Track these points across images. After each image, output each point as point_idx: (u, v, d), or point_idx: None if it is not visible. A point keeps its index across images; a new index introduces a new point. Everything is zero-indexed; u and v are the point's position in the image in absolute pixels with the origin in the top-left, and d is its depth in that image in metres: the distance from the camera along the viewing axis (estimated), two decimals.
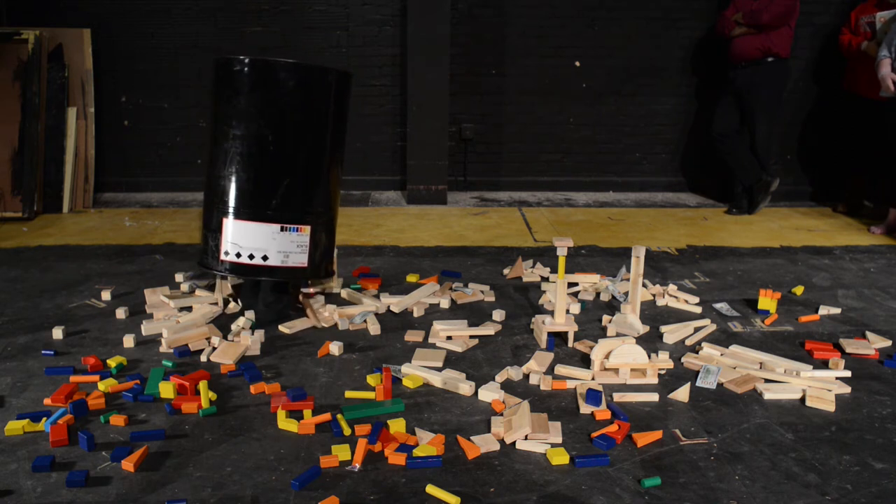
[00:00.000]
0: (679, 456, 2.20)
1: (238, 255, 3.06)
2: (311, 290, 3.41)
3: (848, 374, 2.74)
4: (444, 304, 3.38)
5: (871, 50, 4.92)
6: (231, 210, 3.06)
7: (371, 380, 2.62)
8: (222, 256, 3.08)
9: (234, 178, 3.05)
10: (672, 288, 3.60)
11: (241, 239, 3.05)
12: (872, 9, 5.04)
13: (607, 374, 2.68)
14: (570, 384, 2.62)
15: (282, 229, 3.05)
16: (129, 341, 2.91)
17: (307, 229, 3.10)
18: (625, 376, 2.65)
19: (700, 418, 2.42)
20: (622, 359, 2.66)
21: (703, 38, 5.77)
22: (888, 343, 3.04)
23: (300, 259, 3.11)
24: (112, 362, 2.70)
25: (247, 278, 3.16)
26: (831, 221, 5.23)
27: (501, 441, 2.25)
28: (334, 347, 2.87)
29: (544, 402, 2.52)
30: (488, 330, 3.07)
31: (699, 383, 2.65)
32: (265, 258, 3.05)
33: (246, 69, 2.98)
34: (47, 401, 2.44)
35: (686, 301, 3.49)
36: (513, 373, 2.68)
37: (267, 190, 3.03)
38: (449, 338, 3.02)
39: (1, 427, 2.29)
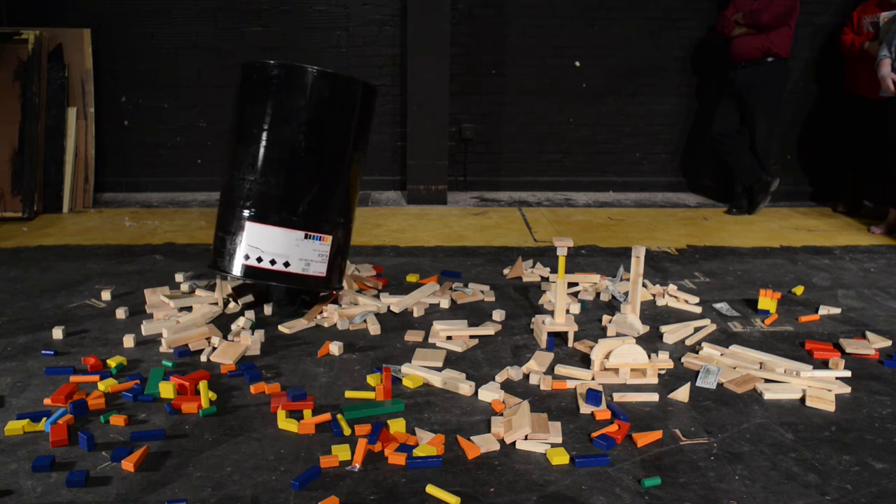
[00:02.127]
0: (679, 456, 2.20)
1: (259, 259, 3.02)
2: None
3: (848, 374, 2.74)
4: (444, 304, 3.38)
5: (873, 49, 4.92)
6: (255, 213, 3.02)
7: (371, 380, 2.63)
8: (241, 260, 3.04)
9: (261, 182, 3.02)
10: (672, 288, 3.60)
11: (264, 243, 3.02)
12: (874, 8, 5.04)
13: (607, 374, 2.68)
14: (570, 384, 2.62)
15: (306, 237, 3.04)
16: (129, 341, 2.91)
17: (329, 238, 3.10)
18: (625, 376, 2.65)
19: (700, 418, 2.42)
20: (622, 359, 2.66)
21: (703, 38, 5.77)
22: (888, 343, 3.04)
23: (320, 268, 3.10)
24: (112, 362, 2.70)
25: (264, 283, 3.14)
26: (831, 221, 5.23)
27: (501, 441, 2.25)
28: (334, 347, 2.87)
29: (544, 402, 2.52)
30: (488, 330, 3.07)
31: (699, 383, 2.65)
32: (287, 264, 3.03)
33: (283, 74, 2.98)
34: (47, 401, 2.44)
35: (686, 301, 3.49)
36: (513, 373, 2.68)
37: (295, 195, 3.02)
38: (449, 338, 3.02)
39: (1, 427, 2.29)
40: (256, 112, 3.03)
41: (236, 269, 3.03)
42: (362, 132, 3.17)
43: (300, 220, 3.03)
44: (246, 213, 3.03)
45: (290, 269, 3.03)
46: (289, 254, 3.03)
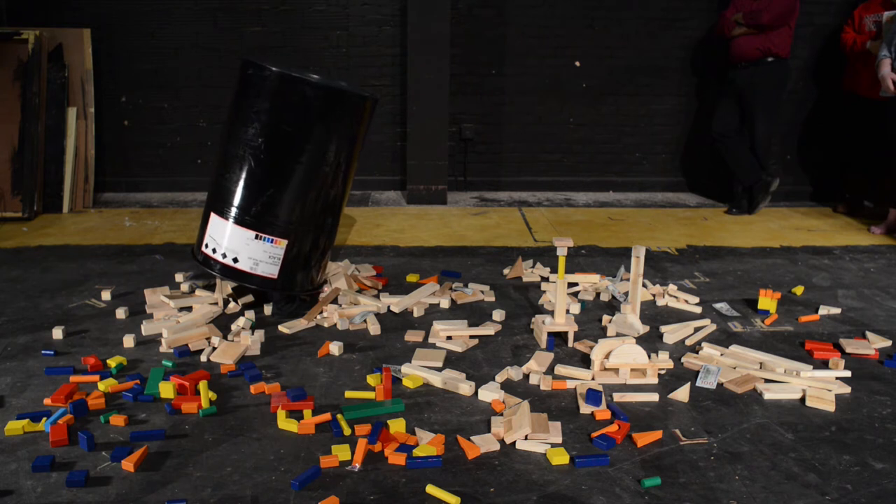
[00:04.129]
0: (679, 456, 2.20)
1: (214, 250, 3.09)
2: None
3: (848, 374, 2.74)
4: (444, 304, 3.38)
5: (875, 49, 4.92)
6: (217, 206, 3.10)
7: (371, 380, 2.63)
8: (202, 248, 3.15)
9: (226, 177, 3.08)
10: (672, 288, 3.60)
11: (218, 236, 3.09)
12: (877, 7, 5.04)
13: (607, 374, 2.68)
14: (570, 384, 2.62)
15: (256, 237, 3.05)
16: (129, 341, 2.91)
17: (283, 242, 3.09)
18: (625, 376, 2.65)
19: (700, 418, 2.42)
20: (622, 359, 2.66)
21: (703, 38, 5.77)
22: (888, 343, 3.04)
23: (270, 270, 3.10)
24: (112, 362, 2.70)
25: (220, 277, 3.15)
26: (831, 221, 5.23)
27: (501, 441, 2.26)
28: (334, 347, 2.87)
29: (544, 402, 2.52)
30: (488, 330, 3.07)
31: (699, 383, 2.65)
32: (235, 260, 3.07)
33: (251, 74, 2.99)
34: (47, 401, 2.44)
35: (686, 301, 3.49)
36: (513, 373, 2.68)
37: (250, 196, 3.04)
38: (449, 338, 3.02)
39: (1, 427, 2.29)
40: (232, 108, 3.10)
41: (199, 256, 3.18)
42: (344, 141, 3.12)
43: (252, 220, 3.05)
44: (213, 203, 3.12)
45: (238, 266, 3.08)
46: (238, 250, 3.07)
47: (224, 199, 3.07)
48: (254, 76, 2.99)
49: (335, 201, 3.23)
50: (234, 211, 3.05)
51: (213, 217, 3.10)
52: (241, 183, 3.04)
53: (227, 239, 3.07)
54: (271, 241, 3.06)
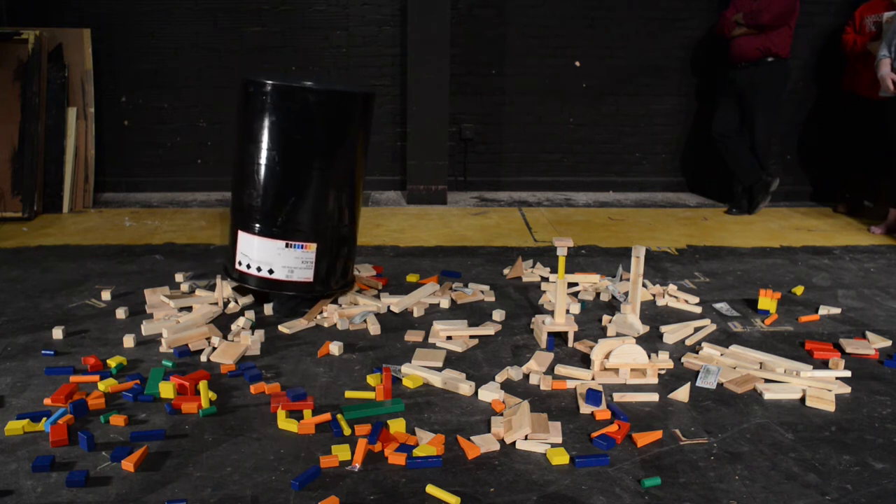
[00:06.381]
0: (679, 456, 2.20)
1: (248, 266, 3.15)
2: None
3: (848, 374, 2.74)
4: (444, 304, 3.38)
5: (875, 49, 4.92)
6: (243, 223, 3.16)
7: (371, 380, 2.63)
8: (236, 265, 3.21)
9: (246, 193, 3.13)
10: (672, 288, 3.60)
11: (250, 251, 3.15)
12: (877, 8, 5.03)
13: (607, 374, 2.68)
14: (570, 384, 2.62)
15: (287, 246, 3.11)
16: (129, 341, 2.91)
17: (313, 246, 3.15)
18: (625, 376, 2.65)
19: (700, 418, 2.42)
20: (622, 359, 2.66)
21: (703, 38, 5.77)
22: (888, 343, 3.04)
23: (305, 274, 3.17)
24: (112, 362, 2.70)
25: (257, 289, 3.22)
26: (831, 221, 5.23)
27: (501, 441, 2.26)
28: (334, 347, 2.87)
29: (544, 402, 2.52)
30: (488, 330, 3.07)
31: (699, 383, 2.65)
32: (271, 272, 3.13)
33: (252, 91, 3.04)
34: (47, 401, 2.44)
35: (686, 301, 3.49)
36: (513, 373, 2.68)
37: (272, 208, 3.10)
38: (449, 338, 3.02)
39: (1, 427, 2.29)
40: (240, 126, 3.16)
41: (234, 274, 3.25)
42: (350, 139, 3.16)
43: (280, 231, 3.11)
44: (238, 220, 3.19)
45: (275, 276, 3.15)
46: (272, 262, 3.13)
47: (248, 215, 3.14)
48: (255, 93, 3.04)
49: (353, 195, 3.28)
50: (259, 225, 3.12)
51: (241, 234, 3.17)
52: (262, 197, 3.10)
53: (257, 252, 3.14)
54: (301, 247, 3.13)
